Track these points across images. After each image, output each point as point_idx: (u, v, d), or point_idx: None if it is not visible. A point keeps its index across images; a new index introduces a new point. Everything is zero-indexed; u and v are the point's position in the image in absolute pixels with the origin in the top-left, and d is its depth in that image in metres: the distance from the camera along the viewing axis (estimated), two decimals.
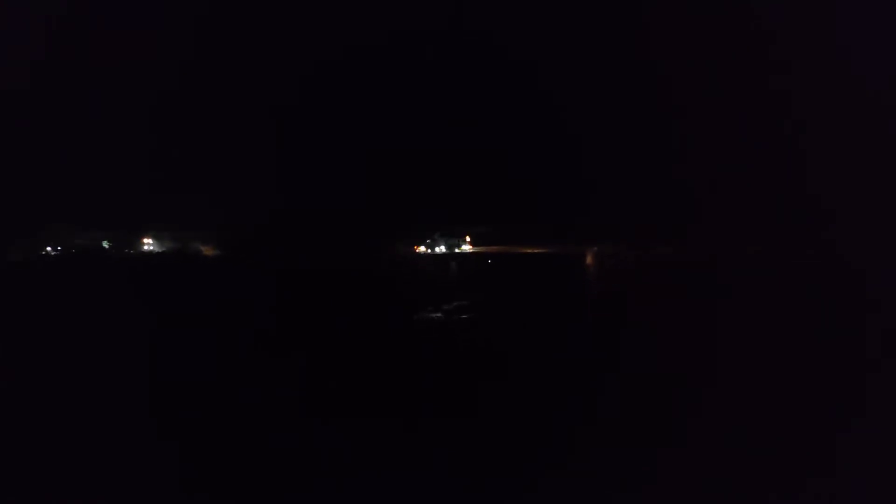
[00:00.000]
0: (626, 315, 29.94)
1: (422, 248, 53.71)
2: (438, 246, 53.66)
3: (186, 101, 53.96)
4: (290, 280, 41.90)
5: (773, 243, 42.63)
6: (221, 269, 49.85)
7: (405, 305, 32.95)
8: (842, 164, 40.85)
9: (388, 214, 52.28)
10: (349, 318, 30.95)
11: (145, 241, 54.68)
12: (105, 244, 53.56)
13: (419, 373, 21.07)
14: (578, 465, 12.72)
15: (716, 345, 22.17)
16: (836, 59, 40.97)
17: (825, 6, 41.78)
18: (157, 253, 54.47)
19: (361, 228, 51.37)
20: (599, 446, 13.67)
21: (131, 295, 33.29)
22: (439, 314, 31.21)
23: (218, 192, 52.67)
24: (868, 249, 35.15)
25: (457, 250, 53.52)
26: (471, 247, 54.01)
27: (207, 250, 54.74)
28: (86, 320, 27.10)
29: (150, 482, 12.12)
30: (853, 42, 40.10)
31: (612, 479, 12.20)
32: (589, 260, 49.45)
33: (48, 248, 51.90)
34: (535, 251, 51.90)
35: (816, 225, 41.17)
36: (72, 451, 13.44)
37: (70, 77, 52.53)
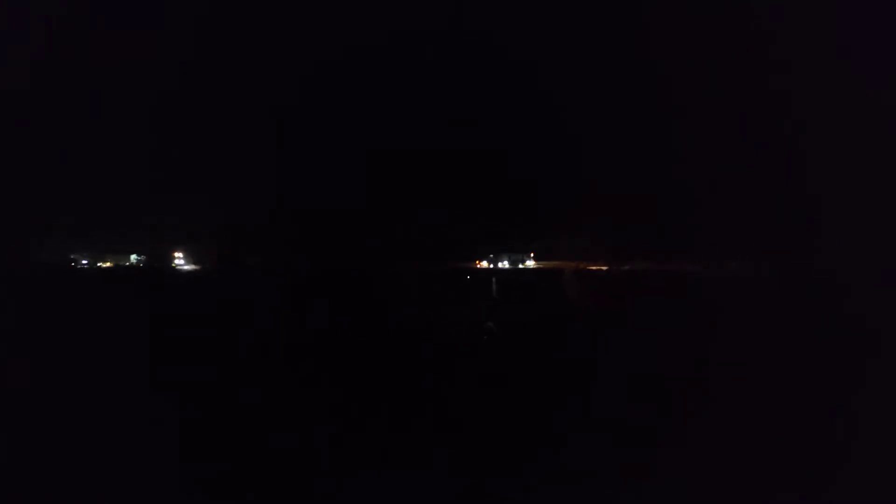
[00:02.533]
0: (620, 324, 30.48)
1: (484, 263, 53.12)
2: (501, 261, 52.97)
3: (186, 101, 53.87)
4: (292, 287, 41.89)
5: (773, 243, 42.63)
6: (207, 278, 49.44)
7: (419, 315, 33.45)
8: (841, 164, 40.83)
9: (388, 214, 52.20)
10: (352, 321, 31.09)
11: (176, 255, 53.63)
12: (134, 258, 53.09)
13: (418, 374, 21.20)
14: (578, 465, 12.74)
15: (712, 350, 22.37)
16: (836, 59, 40.95)
17: (825, 6, 41.72)
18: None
19: (362, 229, 51.27)
20: (599, 446, 13.71)
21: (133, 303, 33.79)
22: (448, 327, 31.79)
23: (218, 192, 52.52)
24: (868, 248, 35.15)
25: (520, 265, 52.79)
26: (534, 262, 53.36)
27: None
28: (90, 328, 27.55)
29: (150, 482, 12.13)
30: (853, 42, 40.06)
31: (612, 479, 12.22)
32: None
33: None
34: (594, 267, 51.48)
35: (815, 225, 41.18)
36: (71, 451, 13.45)
37: (70, 77, 52.48)
